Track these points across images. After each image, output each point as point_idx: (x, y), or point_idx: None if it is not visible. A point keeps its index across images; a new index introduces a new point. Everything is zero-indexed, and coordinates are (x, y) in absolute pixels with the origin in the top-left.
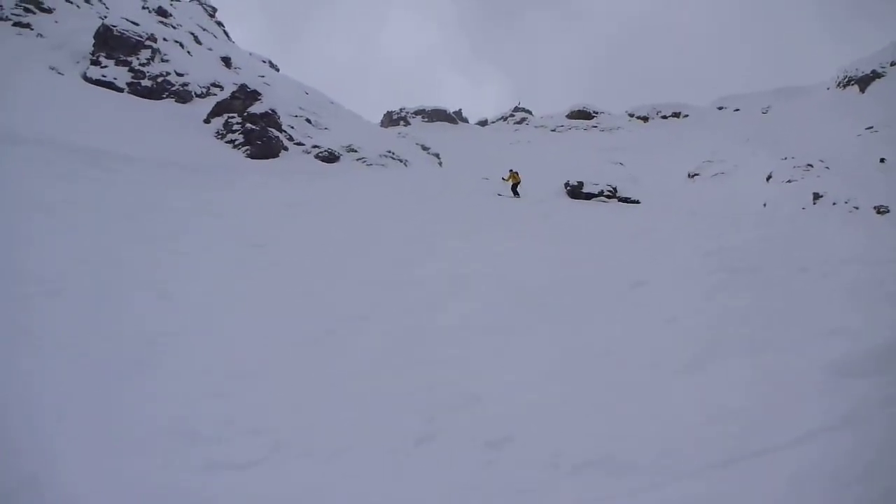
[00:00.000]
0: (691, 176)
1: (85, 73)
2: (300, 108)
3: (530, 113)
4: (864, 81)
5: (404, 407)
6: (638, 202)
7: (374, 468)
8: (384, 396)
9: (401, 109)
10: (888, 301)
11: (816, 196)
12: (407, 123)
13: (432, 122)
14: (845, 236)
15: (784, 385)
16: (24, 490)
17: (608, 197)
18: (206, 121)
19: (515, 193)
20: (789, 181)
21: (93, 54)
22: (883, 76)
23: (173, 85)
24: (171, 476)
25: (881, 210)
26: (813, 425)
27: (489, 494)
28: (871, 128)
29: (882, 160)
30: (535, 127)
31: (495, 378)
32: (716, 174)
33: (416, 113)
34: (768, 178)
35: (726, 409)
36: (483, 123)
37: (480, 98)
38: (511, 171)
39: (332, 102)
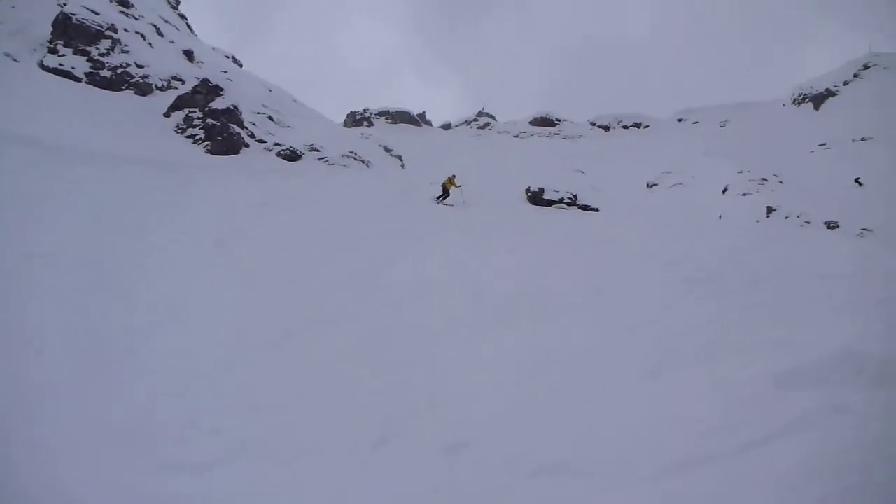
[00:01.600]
0: (650, 186)
1: (42, 62)
2: (263, 105)
3: (494, 118)
4: (818, 99)
5: (366, 410)
6: (597, 210)
7: (334, 471)
8: (345, 399)
9: (364, 110)
10: (834, 314)
11: (770, 209)
12: (370, 124)
13: (396, 123)
14: (799, 250)
15: (735, 394)
16: None
17: (568, 204)
18: (167, 114)
19: (443, 197)
20: (744, 194)
21: (50, 42)
22: (836, 94)
23: (133, 77)
24: (130, 477)
25: (831, 225)
26: (761, 433)
27: (449, 498)
28: (824, 144)
29: (857, 180)
30: (498, 132)
31: (457, 384)
32: (674, 185)
33: (380, 114)
34: (724, 190)
35: (681, 417)
36: (447, 127)
37: (437, 102)
38: (450, 177)
39: (295, 101)
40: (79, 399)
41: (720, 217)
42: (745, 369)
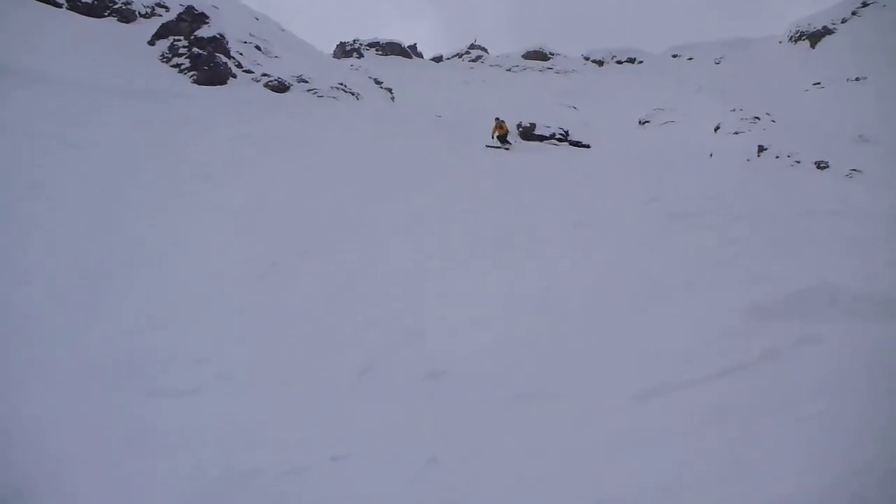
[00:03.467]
0: (642, 123)
1: None
2: (250, 34)
3: (486, 51)
4: (814, 37)
5: (351, 340)
6: (588, 146)
7: (320, 396)
8: (332, 330)
9: (354, 41)
10: (812, 249)
11: (761, 148)
12: (360, 55)
13: (386, 55)
14: (784, 189)
15: (711, 326)
16: None
17: (559, 140)
18: (151, 43)
19: (504, 143)
20: (736, 132)
21: None
22: (833, 33)
23: (116, 3)
24: (116, 402)
25: (821, 165)
26: (733, 362)
27: (430, 423)
28: (819, 83)
29: (860, 136)
30: (490, 65)
31: (441, 316)
32: (666, 122)
33: (370, 45)
34: (716, 128)
35: (658, 348)
36: (438, 60)
37: (416, 35)
38: (497, 120)
39: (283, 30)
40: (65, 330)
41: (711, 155)
42: (722, 302)
